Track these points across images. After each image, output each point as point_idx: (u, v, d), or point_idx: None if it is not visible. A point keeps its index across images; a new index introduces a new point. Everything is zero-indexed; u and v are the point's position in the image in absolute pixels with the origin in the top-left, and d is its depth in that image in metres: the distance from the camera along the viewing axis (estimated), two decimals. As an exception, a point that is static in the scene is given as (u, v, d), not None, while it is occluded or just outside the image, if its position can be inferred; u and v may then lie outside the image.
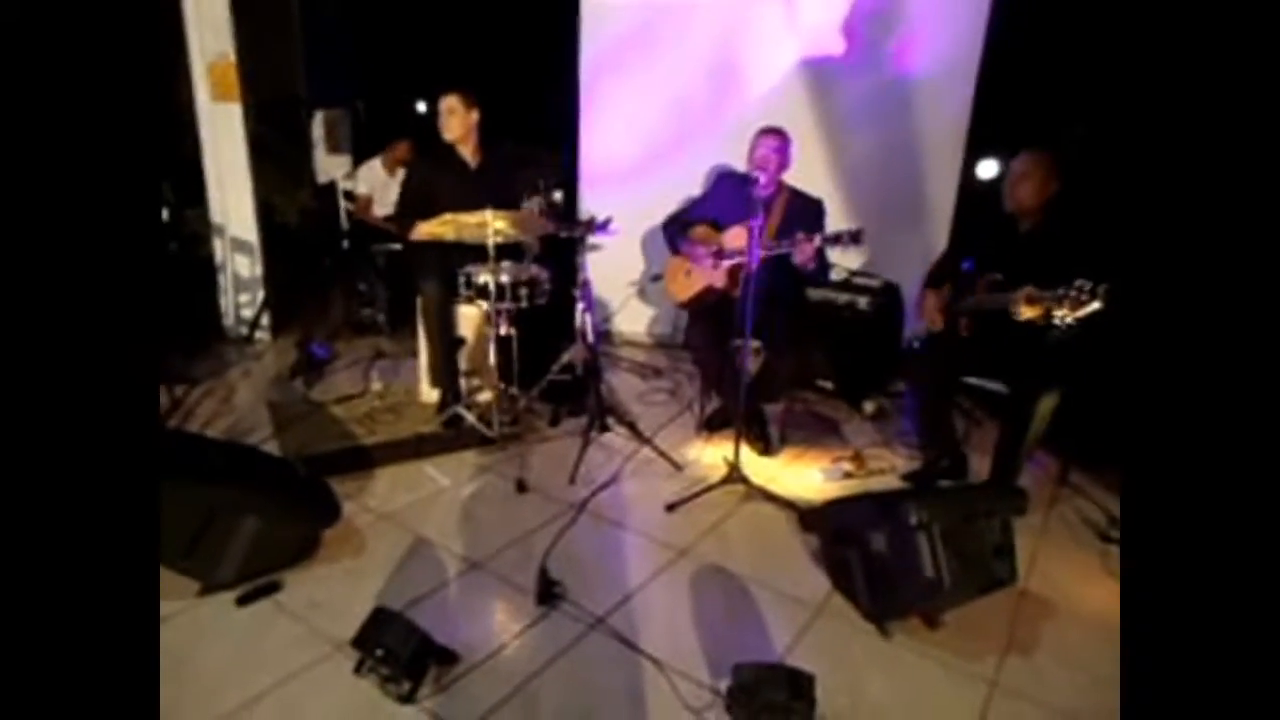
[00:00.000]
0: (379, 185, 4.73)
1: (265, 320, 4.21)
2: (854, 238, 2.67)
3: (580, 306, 2.99)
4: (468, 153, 3.19)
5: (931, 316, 2.87)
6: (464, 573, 2.22)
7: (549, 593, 2.09)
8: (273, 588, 2.07)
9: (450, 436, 3.03)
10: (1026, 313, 2.30)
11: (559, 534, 2.41)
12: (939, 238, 4.16)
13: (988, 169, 4.18)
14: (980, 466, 2.89)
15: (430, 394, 3.37)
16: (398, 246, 4.23)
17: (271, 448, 2.96)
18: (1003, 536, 1.85)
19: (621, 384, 3.85)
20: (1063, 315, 2.13)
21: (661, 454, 2.94)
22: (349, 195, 5.06)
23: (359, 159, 5.03)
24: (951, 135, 4.02)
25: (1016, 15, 3.75)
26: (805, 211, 3.04)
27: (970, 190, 4.11)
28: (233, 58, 3.85)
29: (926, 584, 1.78)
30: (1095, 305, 2.07)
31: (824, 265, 3.03)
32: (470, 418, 3.03)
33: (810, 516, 2.34)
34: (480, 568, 2.25)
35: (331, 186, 5.13)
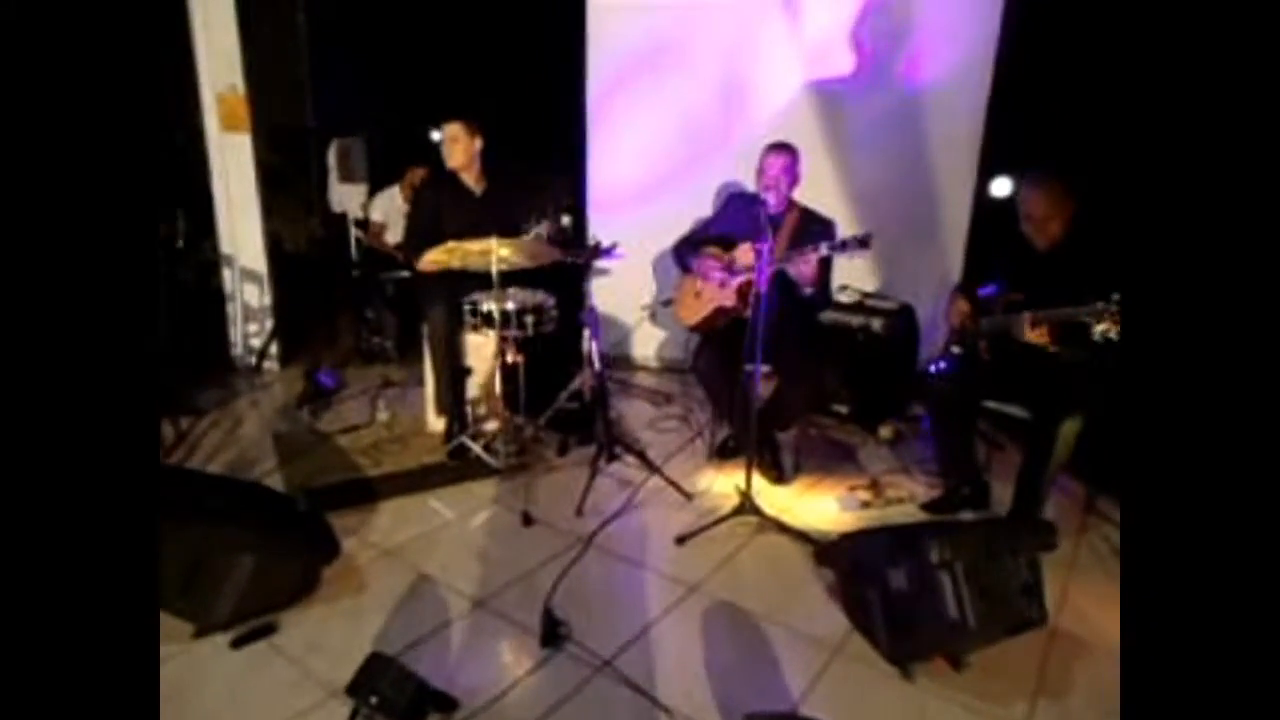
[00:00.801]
0: (394, 212, 4.73)
1: (274, 350, 4.19)
2: (862, 243, 2.56)
3: (586, 333, 2.93)
4: (471, 180, 3.17)
5: (957, 316, 2.78)
6: (467, 612, 2.14)
7: (554, 633, 2.01)
8: (269, 629, 2.01)
9: (456, 467, 2.97)
10: (1031, 336, 2.22)
11: (565, 570, 2.33)
12: (955, 257, 4.08)
13: (1001, 187, 4.09)
14: (1003, 494, 2.78)
15: (437, 423, 3.32)
16: (406, 274, 4.22)
17: (275, 480, 2.91)
18: (1031, 574, 1.75)
19: (632, 410, 3.78)
20: (1104, 330, 2.04)
21: (671, 483, 2.86)
22: (360, 223, 5.07)
23: (375, 188, 5.05)
24: (965, 150, 3.95)
25: (1028, 25, 3.69)
26: (815, 232, 2.97)
27: (986, 207, 4.03)
28: (242, 89, 3.88)
29: (950, 625, 1.69)
30: None
31: (826, 290, 2.95)
32: (476, 448, 2.96)
33: (826, 551, 2.24)
34: (483, 606, 2.17)
35: (342, 215, 5.15)
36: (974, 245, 4.04)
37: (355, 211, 5.09)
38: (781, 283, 2.79)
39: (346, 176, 5.19)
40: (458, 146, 3.07)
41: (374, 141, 5.42)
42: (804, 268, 2.70)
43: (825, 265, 2.85)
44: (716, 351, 2.98)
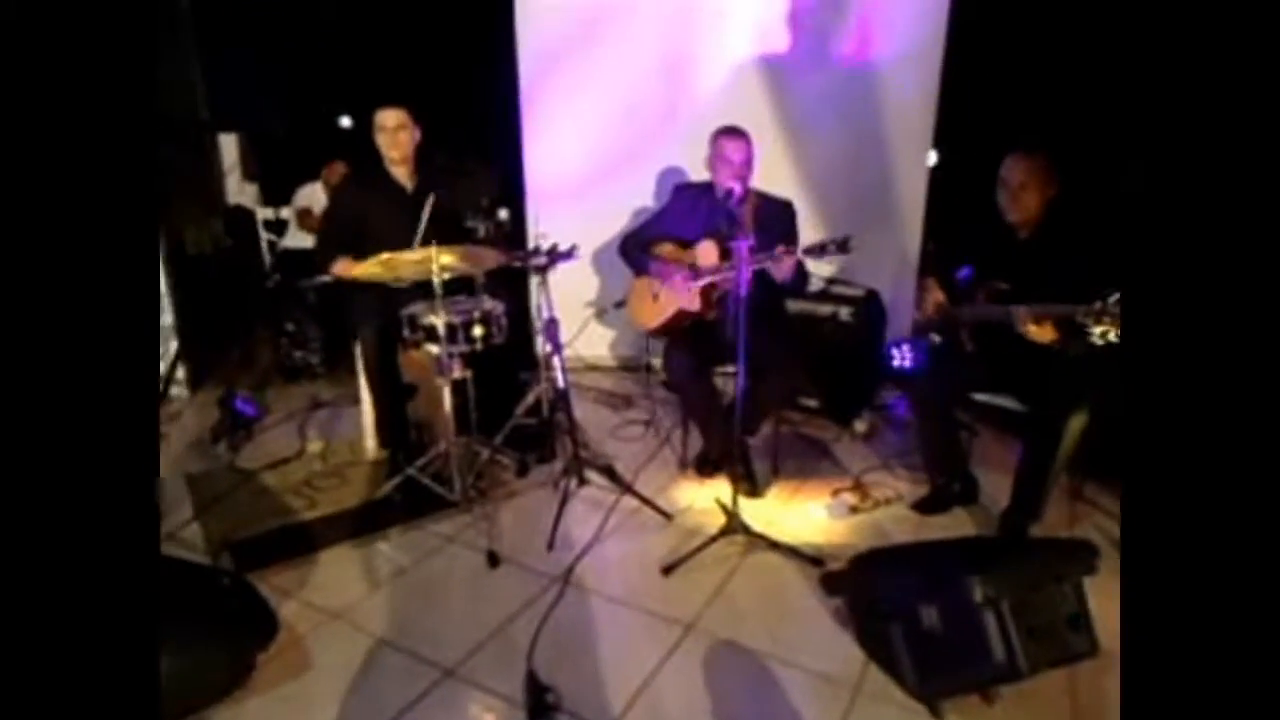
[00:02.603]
0: (319, 206, 4.29)
1: (180, 374, 3.72)
2: (841, 246, 2.39)
3: (547, 347, 2.63)
4: (404, 176, 2.81)
5: (932, 304, 2.63)
6: (435, 684, 1.85)
7: (542, 703, 1.75)
8: (197, 734, 1.67)
9: (404, 503, 2.63)
10: (1038, 334, 2.07)
11: (543, 619, 2.06)
12: (913, 236, 3.96)
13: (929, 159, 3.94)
14: (989, 485, 2.67)
15: (378, 450, 2.97)
16: (329, 278, 3.81)
17: (193, 533, 2.52)
18: (1077, 603, 1.60)
19: (590, 417, 3.52)
20: (1103, 332, 1.88)
21: (648, 503, 2.61)
22: (271, 224, 4.60)
23: (278, 185, 4.57)
24: (918, 128, 3.81)
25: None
26: (776, 217, 2.76)
27: (941, 185, 3.92)
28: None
29: (998, 668, 1.51)
30: None
31: (803, 274, 2.76)
32: (426, 479, 2.64)
33: (836, 579, 2.04)
34: (455, 675, 1.88)
35: (251, 217, 4.66)
36: (931, 224, 3.94)
37: (260, 212, 4.61)
38: (757, 276, 2.56)
39: (250, 175, 4.70)
40: (405, 134, 2.73)
41: (278, 135, 4.92)
42: (778, 268, 2.48)
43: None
44: (687, 355, 2.73)
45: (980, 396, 2.61)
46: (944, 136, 3.86)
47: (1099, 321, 1.93)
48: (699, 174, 2.93)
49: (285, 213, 4.63)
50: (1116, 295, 1.91)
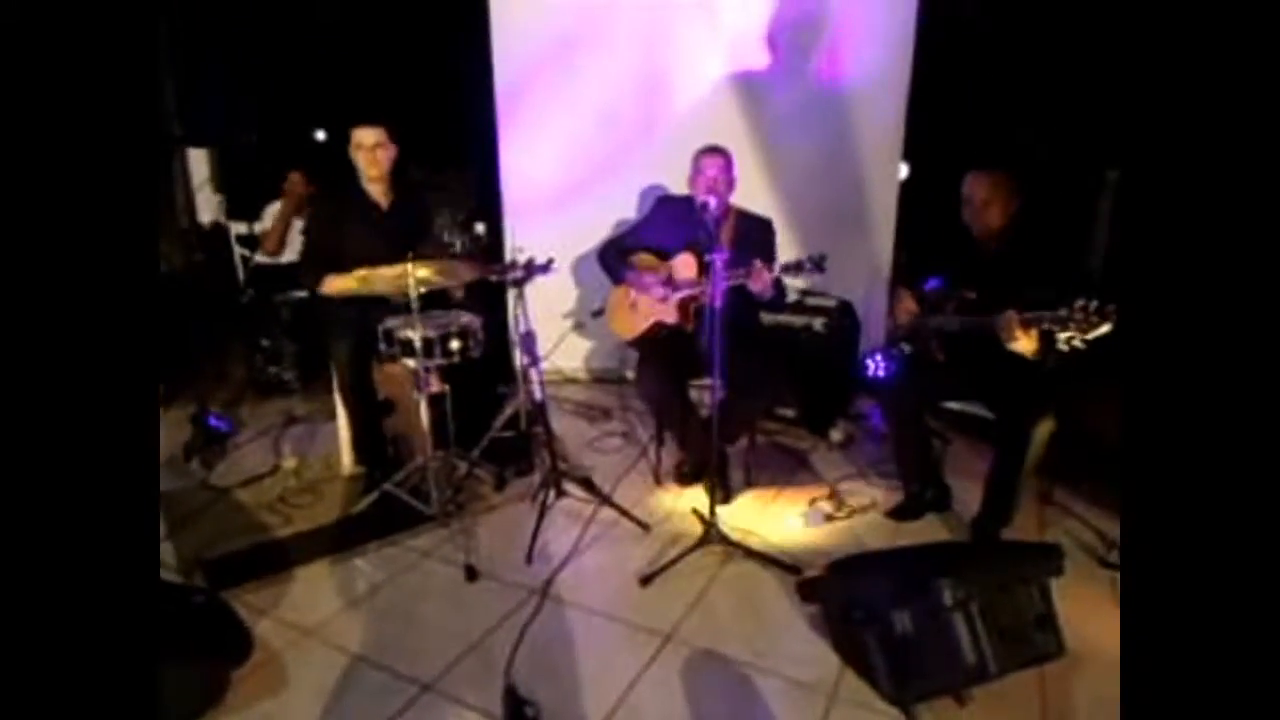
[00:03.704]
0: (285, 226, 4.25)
1: (152, 391, 3.66)
2: (817, 265, 2.45)
3: (524, 360, 2.64)
4: (379, 192, 2.81)
5: (904, 313, 2.68)
6: (413, 700, 1.84)
7: (520, 716, 1.75)
8: (169, 756, 1.65)
9: (381, 518, 2.62)
10: (1023, 344, 2.11)
11: (521, 631, 2.06)
12: (885, 248, 4.04)
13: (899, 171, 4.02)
14: (962, 492, 2.72)
15: (354, 465, 2.95)
16: (304, 293, 3.79)
17: (165, 552, 2.48)
18: (1043, 603, 1.63)
19: (568, 429, 3.52)
20: (1068, 338, 1.94)
21: (626, 514, 2.62)
22: (243, 239, 4.55)
23: (251, 200, 4.54)
24: (888, 142, 3.90)
25: (946, 17, 3.67)
26: (755, 233, 2.82)
27: (912, 198, 4.00)
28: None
29: (968, 669, 1.54)
30: (1105, 328, 1.89)
31: (781, 288, 2.81)
32: (403, 494, 2.63)
33: (811, 585, 2.07)
34: (431, 690, 1.87)
35: (224, 232, 4.62)
36: (902, 236, 4.02)
37: (233, 227, 4.57)
38: (734, 289, 2.60)
39: (222, 189, 4.66)
40: (382, 153, 2.73)
41: (247, 148, 4.88)
42: (756, 283, 2.52)
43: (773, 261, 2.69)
44: (659, 368, 2.76)
45: (952, 404, 2.67)
46: (913, 152, 3.96)
47: (1065, 328, 1.99)
48: (677, 188, 2.98)
49: (259, 228, 4.60)
50: (1081, 302, 1.97)
